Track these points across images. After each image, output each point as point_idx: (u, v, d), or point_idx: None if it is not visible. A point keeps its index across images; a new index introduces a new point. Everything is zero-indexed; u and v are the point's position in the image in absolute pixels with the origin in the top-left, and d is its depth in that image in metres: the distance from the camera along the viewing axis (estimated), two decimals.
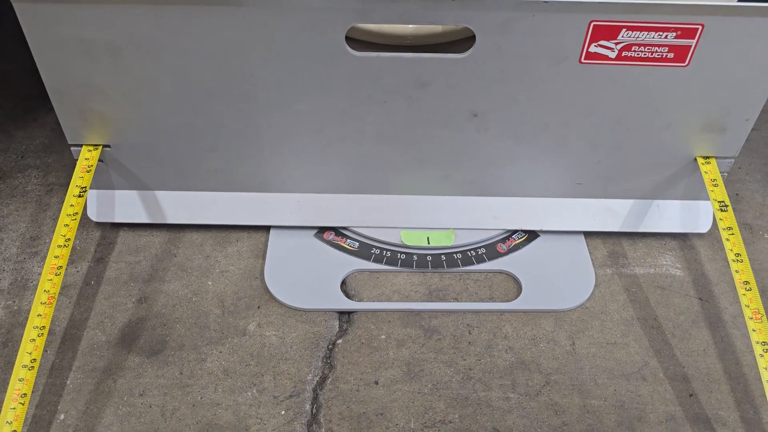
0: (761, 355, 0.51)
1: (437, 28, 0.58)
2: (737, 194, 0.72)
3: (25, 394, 0.49)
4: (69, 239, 0.56)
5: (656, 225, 0.66)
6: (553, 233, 0.66)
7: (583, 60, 0.54)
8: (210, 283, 0.62)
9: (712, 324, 0.60)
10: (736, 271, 0.55)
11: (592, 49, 0.54)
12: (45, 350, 0.57)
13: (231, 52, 0.54)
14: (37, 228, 0.67)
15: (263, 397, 0.54)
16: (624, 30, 0.52)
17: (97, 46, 0.53)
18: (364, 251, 0.64)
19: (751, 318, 0.53)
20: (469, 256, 0.64)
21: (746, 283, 0.55)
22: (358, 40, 0.60)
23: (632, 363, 0.57)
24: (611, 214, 0.65)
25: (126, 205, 0.65)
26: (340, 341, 0.58)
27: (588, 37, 0.53)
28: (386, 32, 0.58)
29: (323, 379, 0.56)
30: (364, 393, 0.55)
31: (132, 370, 0.56)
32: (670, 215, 0.66)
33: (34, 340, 0.51)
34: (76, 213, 0.58)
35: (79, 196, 0.59)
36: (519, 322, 0.60)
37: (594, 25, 0.52)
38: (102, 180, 0.64)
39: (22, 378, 0.50)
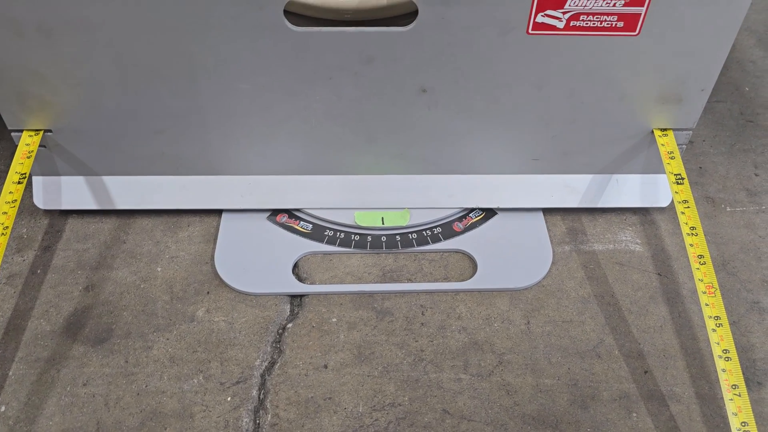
0: (713, 330, 0.50)
1: (380, 2, 0.56)
2: (701, 167, 0.71)
3: None
4: (7, 227, 0.55)
5: (616, 200, 0.64)
6: (510, 211, 0.65)
7: (530, 31, 0.53)
8: (159, 269, 0.61)
9: (670, 300, 0.59)
10: (691, 245, 0.54)
11: (539, 19, 0.52)
12: None
13: (167, 29, 0.52)
14: None
15: (209, 384, 0.53)
16: None
17: (28, 27, 0.51)
18: (317, 233, 0.63)
19: (704, 292, 0.52)
20: (424, 235, 0.63)
21: (701, 257, 0.53)
22: (300, 16, 0.58)
23: (587, 341, 0.56)
24: (569, 190, 0.64)
25: (73, 192, 0.64)
26: (290, 325, 0.57)
27: (534, 6, 0.51)
28: (325, 6, 0.56)
29: (272, 365, 0.54)
30: (313, 377, 0.54)
31: (76, 359, 0.54)
32: (630, 190, 0.64)
33: None
34: (15, 200, 0.56)
35: (19, 182, 0.57)
36: (473, 302, 0.59)
37: None
38: (47, 166, 0.63)
39: None
